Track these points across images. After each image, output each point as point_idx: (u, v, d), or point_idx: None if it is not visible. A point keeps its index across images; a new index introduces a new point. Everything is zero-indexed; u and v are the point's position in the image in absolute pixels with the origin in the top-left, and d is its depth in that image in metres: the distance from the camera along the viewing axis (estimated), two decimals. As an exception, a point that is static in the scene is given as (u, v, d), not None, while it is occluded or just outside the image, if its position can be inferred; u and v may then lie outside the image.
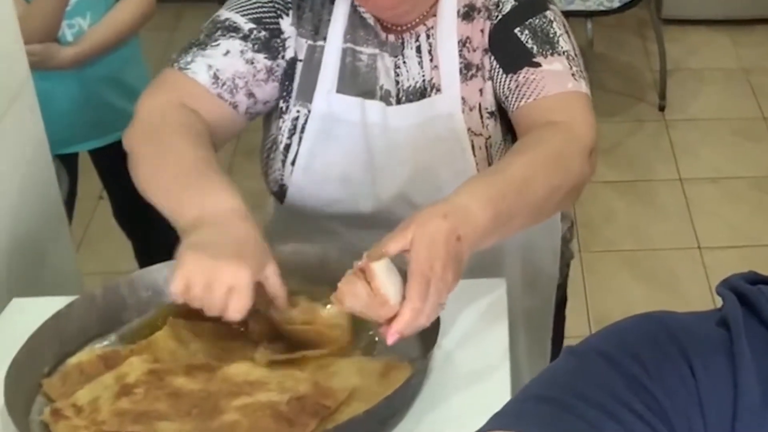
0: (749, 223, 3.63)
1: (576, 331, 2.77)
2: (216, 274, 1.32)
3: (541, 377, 0.77)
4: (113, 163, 2.67)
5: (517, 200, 1.41)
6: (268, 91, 1.69)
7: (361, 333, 1.49)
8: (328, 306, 1.42)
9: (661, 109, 4.23)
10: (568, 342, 2.13)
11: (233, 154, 3.98)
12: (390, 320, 1.29)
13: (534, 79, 1.58)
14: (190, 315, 1.53)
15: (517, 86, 1.60)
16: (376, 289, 1.29)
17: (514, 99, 1.60)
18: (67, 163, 2.54)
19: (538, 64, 1.59)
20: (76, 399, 1.37)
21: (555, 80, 1.58)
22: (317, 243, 1.63)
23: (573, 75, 1.59)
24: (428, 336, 1.42)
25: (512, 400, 0.76)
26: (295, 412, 1.31)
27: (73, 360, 1.47)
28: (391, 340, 1.29)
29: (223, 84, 1.63)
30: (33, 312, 1.55)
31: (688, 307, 2.79)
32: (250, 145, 3.83)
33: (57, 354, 1.47)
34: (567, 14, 3.96)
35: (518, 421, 0.73)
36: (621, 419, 0.71)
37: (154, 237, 2.83)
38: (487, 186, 1.40)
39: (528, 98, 1.58)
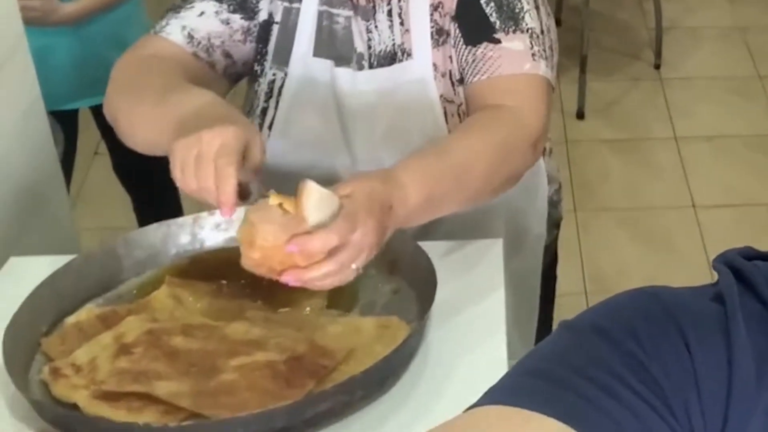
0: (743, 181, 3.63)
1: (571, 288, 2.78)
2: (202, 141, 1.33)
3: (536, 351, 0.77)
4: None
5: (453, 186, 1.43)
6: (246, 51, 1.69)
7: (360, 293, 1.50)
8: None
9: (657, 67, 4.22)
10: (561, 300, 2.15)
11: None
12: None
13: (491, 56, 1.57)
14: (188, 275, 1.55)
15: (474, 60, 1.58)
16: (300, 205, 1.27)
17: (469, 72, 1.59)
18: (66, 120, 2.54)
19: (498, 41, 1.57)
20: (74, 358, 1.38)
21: (512, 60, 1.56)
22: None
23: (533, 55, 1.57)
24: (425, 296, 1.42)
25: (507, 375, 0.75)
26: (293, 372, 1.32)
27: (71, 319, 1.47)
28: (289, 276, 1.28)
29: (198, 43, 1.63)
30: (30, 271, 1.55)
31: (683, 264, 2.81)
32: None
33: (55, 313, 1.48)
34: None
35: (514, 395, 0.72)
36: (618, 395, 0.70)
37: (154, 192, 2.85)
38: (425, 167, 1.41)
39: (482, 75, 1.58)
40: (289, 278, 1.29)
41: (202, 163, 1.33)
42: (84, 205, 3.50)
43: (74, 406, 1.32)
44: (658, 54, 4.23)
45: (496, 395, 0.73)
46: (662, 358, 0.73)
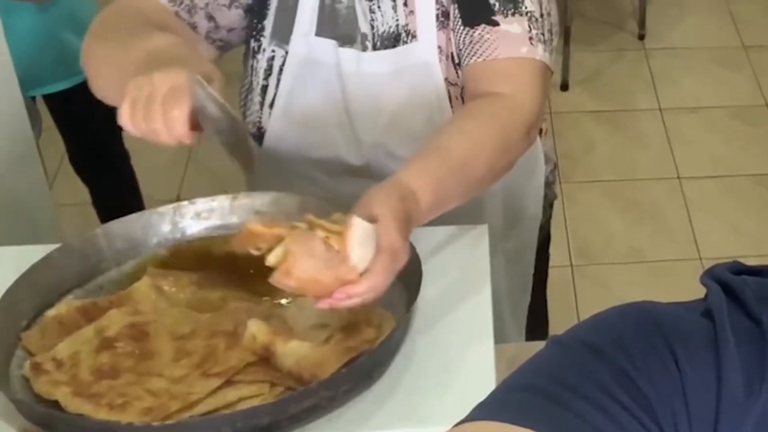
0: (729, 152, 3.62)
1: (556, 261, 2.77)
2: (153, 82, 1.30)
3: (526, 367, 0.76)
4: (72, 108, 2.63)
5: (456, 183, 1.41)
6: (231, 17, 1.65)
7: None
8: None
9: (641, 38, 4.20)
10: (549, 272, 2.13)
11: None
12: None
13: (488, 38, 1.54)
14: (169, 265, 1.53)
15: (471, 42, 1.55)
16: (346, 242, 1.21)
17: (466, 54, 1.56)
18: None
19: (496, 23, 1.54)
20: (56, 352, 1.36)
21: (509, 42, 1.54)
22: (298, 189, 1.61)
23: (530, 39, 1.54)
24: (411, 285, 1.40)
25: (497, 390, 0.75)
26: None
27: (51, 312, 1.45)
28: (323, 304, 1.23)
29: (181, 3, 1.60)
30: (9, 262, 1.53)
31: (668, 236, 2.79)
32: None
33: (35, 307, 1.45)
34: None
35: (504, 411, 0.72)
36: (607, 411, 0.70)
37: (108, 185, 2.83)
38: (431, 170, 1.38)
39: (478, 57, 1.55)
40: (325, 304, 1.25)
41: (152, 104, 1.30)
42: (64, 181, 3.45)
43: (56, 403, 1.30)
44: (642, 24, 4.21)
45: (486, 410, 0.73)
46: (651, 373, 0.73)
